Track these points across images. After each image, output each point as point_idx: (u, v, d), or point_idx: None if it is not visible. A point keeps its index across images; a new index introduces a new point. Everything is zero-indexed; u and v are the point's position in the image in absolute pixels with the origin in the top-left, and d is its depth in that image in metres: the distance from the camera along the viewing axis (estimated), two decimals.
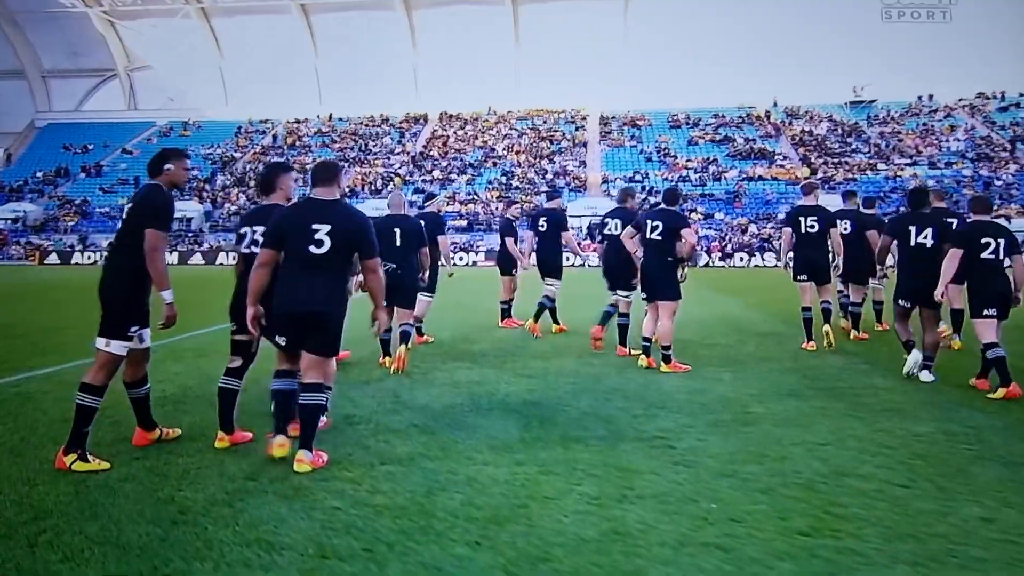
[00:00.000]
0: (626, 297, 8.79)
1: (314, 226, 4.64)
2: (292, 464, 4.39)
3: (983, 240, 7.18)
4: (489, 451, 4.78)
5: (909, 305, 7.67)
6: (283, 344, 4.76)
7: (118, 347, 4.55)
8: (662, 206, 8.17)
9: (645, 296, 8.09)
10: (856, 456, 4.60)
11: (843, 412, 5.78)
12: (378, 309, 4.84)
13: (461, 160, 49.51)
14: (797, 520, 3.59)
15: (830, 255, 9.18)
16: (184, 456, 4.67)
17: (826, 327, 8.89)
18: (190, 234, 44.08)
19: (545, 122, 54.17)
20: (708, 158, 46.49)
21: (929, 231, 7.66)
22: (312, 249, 4.61)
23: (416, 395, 6.45)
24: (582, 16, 54.65)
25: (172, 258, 41.04)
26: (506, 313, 11.35)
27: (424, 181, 46.37)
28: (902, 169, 42.72)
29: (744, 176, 44.15)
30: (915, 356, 7.57)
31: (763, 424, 5.39)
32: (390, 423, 5.51)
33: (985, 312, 7.12)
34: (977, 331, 7.12)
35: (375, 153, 52.02)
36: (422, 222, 8.45)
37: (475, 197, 44.57)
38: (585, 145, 50.74)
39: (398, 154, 51.47)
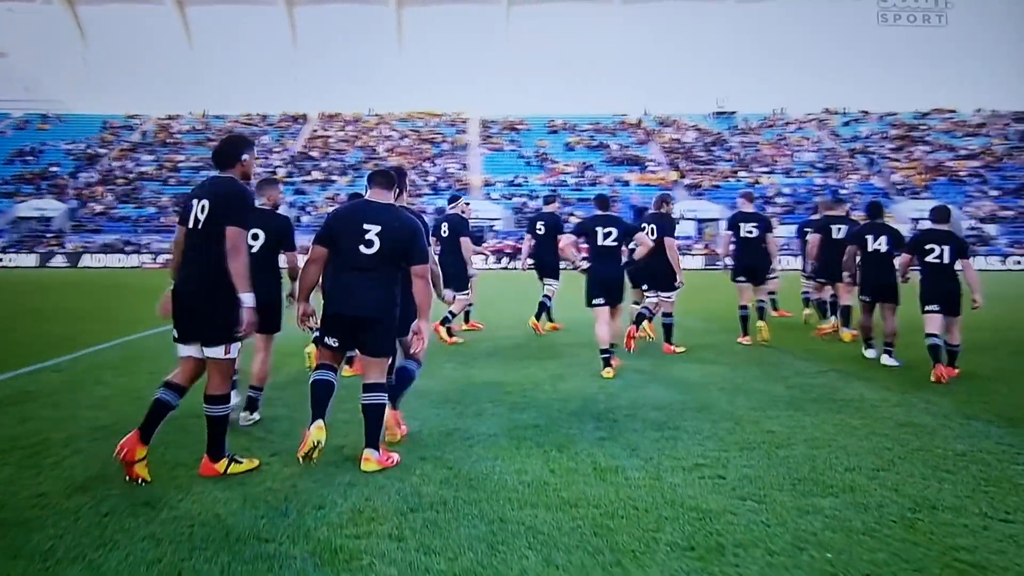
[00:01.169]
0: (668, 298, 9.06)
1: (365, 226, 4.56)
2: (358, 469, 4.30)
3: (928, 246, 7.77)
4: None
5: (869, 300, 8.57)
6: (335, 345, 4.64)
7: (235, 349, 4.33)
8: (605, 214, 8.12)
9: (604, 302, 7.83)
10: (924, 482, 3.97)
11: (862, 428, 5.15)
12: (421, 319, 4.67)
13: (342, 161, 48.15)
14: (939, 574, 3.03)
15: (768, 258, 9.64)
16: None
17: (761, 323, 9.44)
18: (50, 235, 40.52)
19: (426, 124, 53.56)
20: (585, 163, 47.19)
21: (883, 239, 8.56)
22: (363, 249, 4.54)
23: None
24: (465, 21, 54.53)
25: (31, 260, 37.69)
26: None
27: (305, 182, 44.74)
28: (761, 177, 44.83)
29: (618, 181, 45.07)
30: (879, 354, 8.41)
31: (796, 446, 4.67)
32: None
33: (927, 308, 7.69)
34: (924, 323, 7.67)
35: None
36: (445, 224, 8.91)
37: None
38: (466, 148, 50.42)
39: (277, 153, 49.39)
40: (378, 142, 50.91)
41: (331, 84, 56.01)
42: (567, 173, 46.12)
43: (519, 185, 44.26)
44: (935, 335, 7.61)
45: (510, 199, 43.33)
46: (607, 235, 7.80)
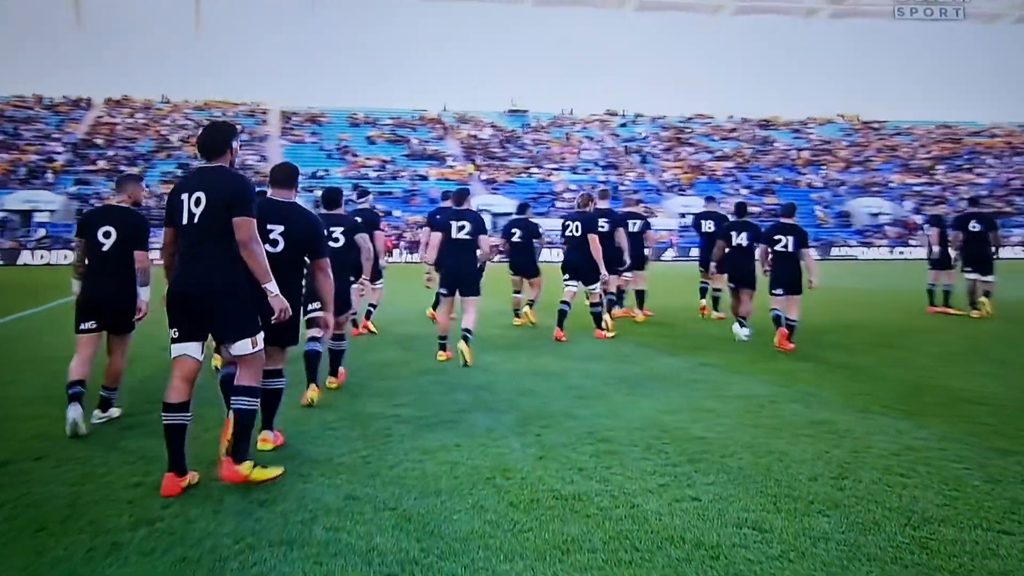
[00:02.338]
0: (594, 288, 9.56)
1: (269, 226, 4.53)
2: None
3: (776, 236, 8.88)
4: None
5: (734, 286, 9.64)
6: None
7: (261, 340, 4.13)
8: (462, 208, 8.25)
9: (448, 293, 8.04)
10: (891, 490, 3.73)
11: (783, 429, 4.92)
12: (327, 310, 4.80)
13: (131, 150, 44.84)
14: None
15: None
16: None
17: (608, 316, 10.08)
18: None
19: (224, 114, 50.97)
20: (386, 157, 47.20)
21: (745, 234, 9.62)
22: (268, 248, 4.39)
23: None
24: (267, 9, 52.43)
25: None
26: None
27: (88, 171, 41.19)
28: (551, 173, 47.19)
29: (417, 175, 45.55)
30: (738, 328, 9.45)
31: (739, 454, 4.35)
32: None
33: (773, 292, 8.86)
34: (769, 302, 8.87)
35: (26, 138, 44.89)
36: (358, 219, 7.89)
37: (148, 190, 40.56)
38: (265, 139, 48.67)
39: (56, 139, 44.98)
40: (171, 131, 47.86)
41: (119, 68, 51.84)
42: (368, 166, 45.97)
43: (320, 178, 43.56)
44: (777, 309, 8.79)
45: (311, 192, 42.49)
46: (460, 228, 7.88)
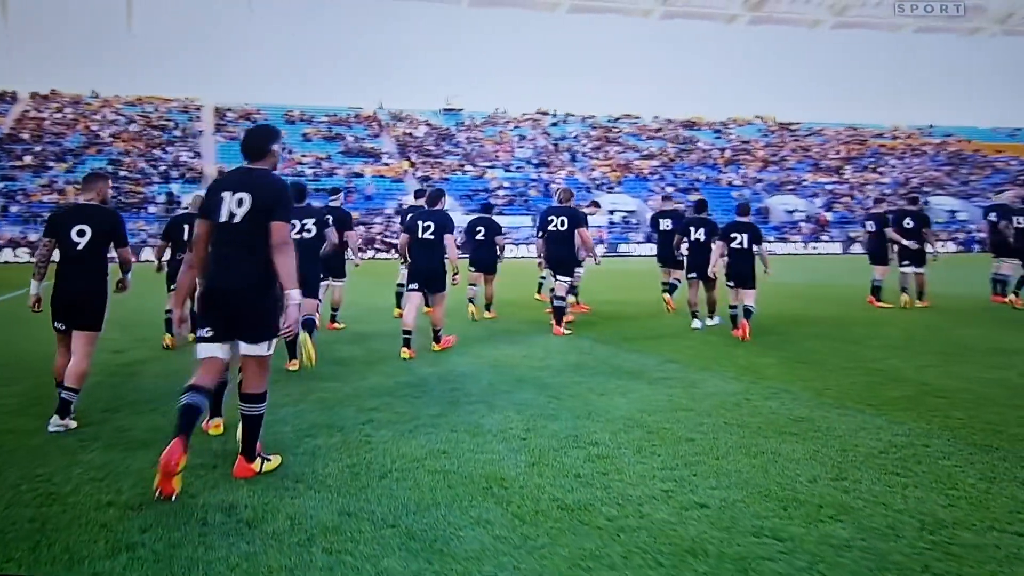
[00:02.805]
0: (565, 282, 9.64)
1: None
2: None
3: (732, 235, 9.29)
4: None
5: (694, 277, 10.02)
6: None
7: (274, 346, 4.11)
8: (431, 208, 8.34)
9: (418, 288, 8.18)
10: (893, 491, 3.69)
11: (766, 428, 4.86)
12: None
13: (59, 145, 43.41)
14: None
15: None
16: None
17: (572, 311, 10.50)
18: None
19: (156, 110, 49.87)
20: (322, 155, 47.03)
21: (702, 230, 9.94)
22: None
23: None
24: (202, 5, 51.28)
25: None
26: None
27: (14, 167, 39.87)
28: (485, 171, 47.81)
29: (353, 172, 45.57)
30: (703, 320, 9.85)
31: (732, 455, 4.27)
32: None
33: (728, 283, 9.41)
34: (728, 294, 9.40)
35: None
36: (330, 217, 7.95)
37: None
38: (197, 136, 47.86)
39: None
40: (102, 127, 46.57)
41: (47, 61, 50.08)
42: (304, 164, 45.74)
43: None
44: (734, 306, 9.32)
45: None
46: (426, 229, 8.01)
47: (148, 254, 32.78)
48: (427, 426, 4.91)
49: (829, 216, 46.24)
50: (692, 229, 10.10)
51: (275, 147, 4.14)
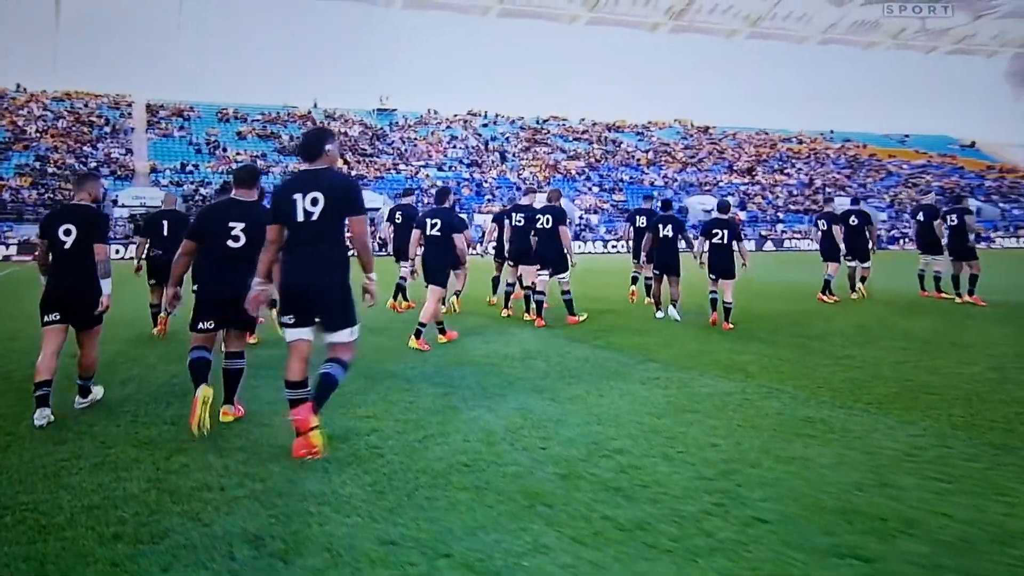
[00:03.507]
0: (563, 278, 9.79)
1: (231, 223, 4.85)
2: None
3: (713, 230, 9.68)
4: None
5: (659, 273, 10.36)
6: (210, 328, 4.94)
7: (358, 330, 4.33)
8: (440, 206, 8.45)
9: (426, 283, 8.31)
10: (940, 497, 3.55)
11: (780, 432, 4.66)
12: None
13: None
14: None
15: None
16: None
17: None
18: None
19: (86, 105, 48.15)
20: (257, 153, 46.45)
21: (670, 227, 10.18)
22: (230, 244, 4.83)
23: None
24: (132, 2, 49.66)
25: None
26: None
27: None
28: (418, 170, 48.03)
29: (289, 171, 45.16)
30: (667, 311, 10.07)
31: (764, 464, 4.04)
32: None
33: (710, 276, 9.69)
34: (708, 284, 9.70)
35: None
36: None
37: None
38: (128, 132, 46.50)
39: None
40: (28, 122, 44.79)
41: None
42: (239, 162, 45.09)
43: (190, 172, 42.39)
44: (714, 291, 9.60)
45: (180, 185, 41.38)
46: (433, 226, 8.16)
47: None
48: (436, 436, 4.55)
49: (743, 215, 48.42)
50: (660, 226, 10.34)
51: (330, 147, 4.27)
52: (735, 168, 55.37)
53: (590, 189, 49.46)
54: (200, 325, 4.90)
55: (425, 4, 60.12)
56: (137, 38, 50.00)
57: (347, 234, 4.30)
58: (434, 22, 58.67)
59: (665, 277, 10.36)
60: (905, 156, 60.27)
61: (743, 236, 10.01)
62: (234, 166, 43.70)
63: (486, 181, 47.89)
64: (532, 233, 10.01)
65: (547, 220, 9.80)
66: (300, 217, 4.12)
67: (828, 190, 51.02)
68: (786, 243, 45.52)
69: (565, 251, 9.73)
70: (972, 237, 12.32)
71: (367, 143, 50.73)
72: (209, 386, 4.66)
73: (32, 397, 4.93)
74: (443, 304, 9.11)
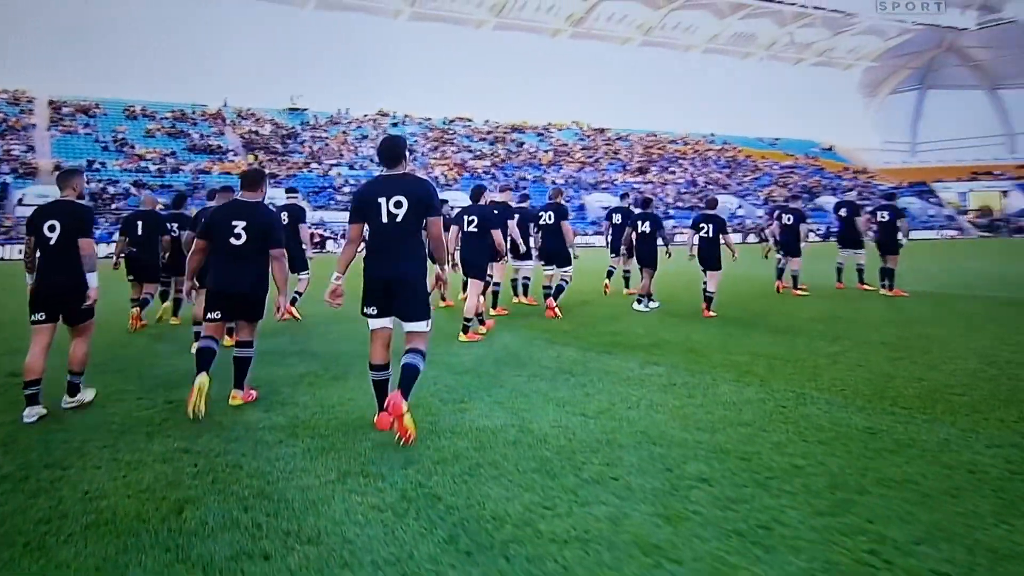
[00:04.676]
0: (566, 271, 9.72)
1: (234, 222, 5.01)
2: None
3: (701, 225, 9.70)
4: None
5: (641, 265, 10.20)
6: (218, 318, 5.05)
7: (432, 322, 4.48)
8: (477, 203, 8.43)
9: (465, 277, 8.38)
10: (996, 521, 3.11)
11: (813, 439, 4.26)
12: (280, 295, 5.04)
13: None
14: None
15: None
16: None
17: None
18: None
19: None
20: (166, 151, 44.98)
21: (648, 223, 10.27)
22: (232, 241, 4.99)
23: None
24: None
25: None
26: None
27: None
28: (330, 169, 47.62)
29: (200, 169, 44.05)
30: (640, 305, 10.03)
31: (813, 473, 3.68)
32: None
33: (701, 268, 9.70)
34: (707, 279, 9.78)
35: None
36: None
37: None
38: (29, 129, 43.99)
39: None
40: None
41: None
42: (148, 160, 43.62)
43: (96, 170, 40.70)
44: (706, 282, 9.66)
45: (88, 184, 39.71)
46: (470, 223, 8.12)
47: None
48: (483, 466, 3.78)
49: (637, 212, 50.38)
50: (639, 223, 10.48)
51: (408, 154, 4.44)
52: (628, 167, 57.48)
53: (495, 187, 50.02)
54: (209, 315, 5.03)
55: (337, 6, 59.28)
56: (37, 32, 47.21)
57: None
58: (346, 24, 58.08)
59: (643, 270, 10.42)
60: (775, 157, 64.18)
61: (728, 229, 10.08)
62: (143, 164, 42.34)
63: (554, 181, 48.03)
64: (535, 229, 10.00)
65: (550, 216, 9.76)
66: (384, 218, 4.29)
67: (711, 187, 53.94)
68: (677, 238, 47.94)
69: (568, 246, 9.69)
70: (900, 235, 12.29)
71: (279, 142, 49.87)
72: (208, 375, 4.79)
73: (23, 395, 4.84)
74: (443, 299, 9.29)
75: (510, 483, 3.59)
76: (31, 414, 4.77)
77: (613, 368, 6.40)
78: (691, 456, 3.98)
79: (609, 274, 12.72)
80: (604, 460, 3.93)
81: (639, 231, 10.45)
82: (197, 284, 5.45)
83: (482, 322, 8.41)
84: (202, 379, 4.76)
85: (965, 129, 71.77)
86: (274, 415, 4.88)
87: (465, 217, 8.28)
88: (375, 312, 4.39)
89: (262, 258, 5.07)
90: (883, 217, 12.58)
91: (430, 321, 4.47)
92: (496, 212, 8.44)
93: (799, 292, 12.55)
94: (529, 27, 64.72)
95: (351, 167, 48.36)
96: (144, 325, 9.10)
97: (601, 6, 62.79)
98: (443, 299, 10.80)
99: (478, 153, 54.92)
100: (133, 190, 37.78)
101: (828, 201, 54.00)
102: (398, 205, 4.27)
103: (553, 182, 51.42)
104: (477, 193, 8.49)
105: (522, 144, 58.26)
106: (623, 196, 13.31)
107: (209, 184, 41.93)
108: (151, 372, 6.46)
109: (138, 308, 9.00)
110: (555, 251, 9.78)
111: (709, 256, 9.82)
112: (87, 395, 5.22)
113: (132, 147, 44.24)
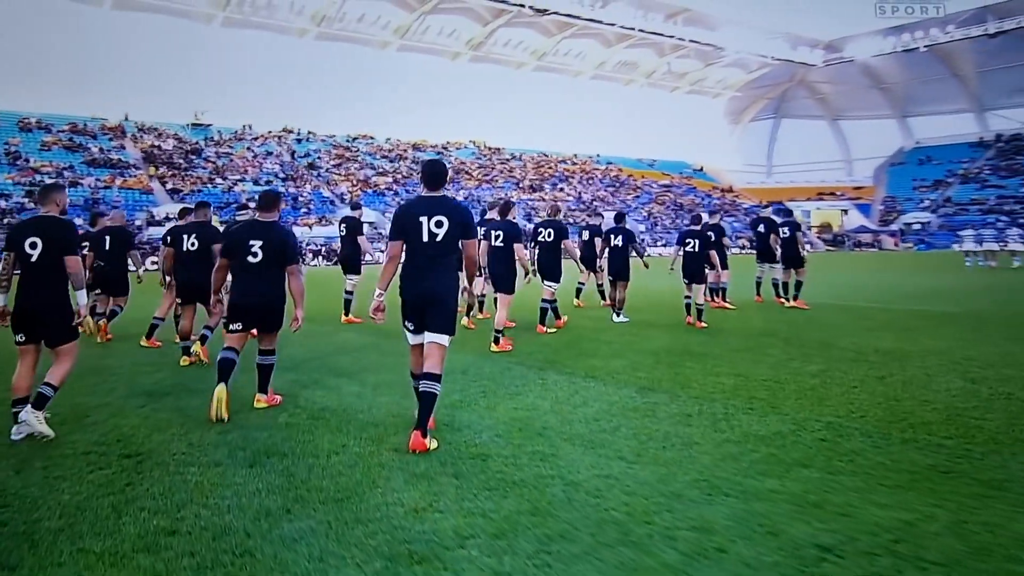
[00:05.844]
0: (551, 287, 9.44)
1: (251, 242, 5.10)
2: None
3: (687, 240, 9.83)
4: None
5: (612, 279, 10.35)
6: (239, 329, 5.16)
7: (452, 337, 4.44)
8: (503, 219, 8.46)
9: (495, 290, 8.24)
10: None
11: (846, 474, 3.90)
12: (298, 308, 5.14)
13: None
14: None
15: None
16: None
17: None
18: None
19: None
20: (64, 165, 43.24)
21: (620, 237, 10.13)
22: (249, 259, 5.06)
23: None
24: None
25: None
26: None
27: None
28: (235, 184, 47.11)
29: (100, 183, 42.71)
30: (616, 317, 9.83)
31: (876, 512, 3.35)
32: None
33: (684, 280, 9.67)
34: (684, 291, 9.80)
35: None
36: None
37: None
38: None
39: None
40: None
41: None
42: (43, 173, 41.83)
43: None
44: (688, 296, 9.62)
45: None
46: (497, 237, 8.16)
47: None
48: (555, 539, 3.09)
49: (529, 227, 52.63)
50: (612, 236, 10.38)
51: (447, 177, 4.55)
52: (521, 185, 59.57)
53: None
54: (231, 326, 5.18)
55: (243, 24, 58.27)
56: None
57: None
58: (252, 41, 57.20)
59: (617, 283, 10.34)
60: (654, 177, 68.22)
61: (712, 244, 10.13)
62: (38, 178, 40.66)
63: (301, 196, 48.19)
64: (533, 245, 9.79)
65: (549, 234, 9.59)
66: (425, 237, 4.30)
67: (595, 204, 56.98)
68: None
69: (560, 262, 9.59)
70: (801, 249, 12.36)
71: (182, 157, 48.84)
72: (226, 387, 4.91)
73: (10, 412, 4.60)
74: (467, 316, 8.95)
75: (602, 564, 2.82)
76: (18, 432, 4.46)
77: (614, 397, 5.69)
78: (782, 513, 3.32)
79: (578, 292, 12.83)
80: (687, 521, 3.23)
81: (611, 244, 10.39)
82: (221, 297, 5.58)
83: (496, 341, 7.97)
84: (220, 390, 4.86)
85: (812, 154, 78.80)
86: (270, 476, 3.90)
87: (492, 232, 8.28)
88: (413, 328, 4.42)
89: (278, 273, 5.16)
90: (785, 233, 12.61)
91: (452, 338, 4.44)
92: (520, 228, 8.49)
93: (728, 306, 12.37)
94: (431, 50, 65.68)
95: (256, 183, 48.00)
96: (111, 338, 9.08)
97: (499, 32, 64.63)
98: (467, 315, 9.86)
99: (380, 170, 55.54)
100: (28, 203, 36.41)
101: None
102: (439, 225, 4.28)
103: (389, 193, 52.78)
104: (505, 209, 8.56)
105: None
106: (594, 214, 13.50)
107: (111, 199, 41.01)
108: (102, 411, 5.44)
109: (105, 321, 9.05)
110: (549, 267, 9.49)
111: (695, 270, 9.81)
112: (45, 428, 4.49)
113: (27, 160, 42.36)
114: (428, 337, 4.35)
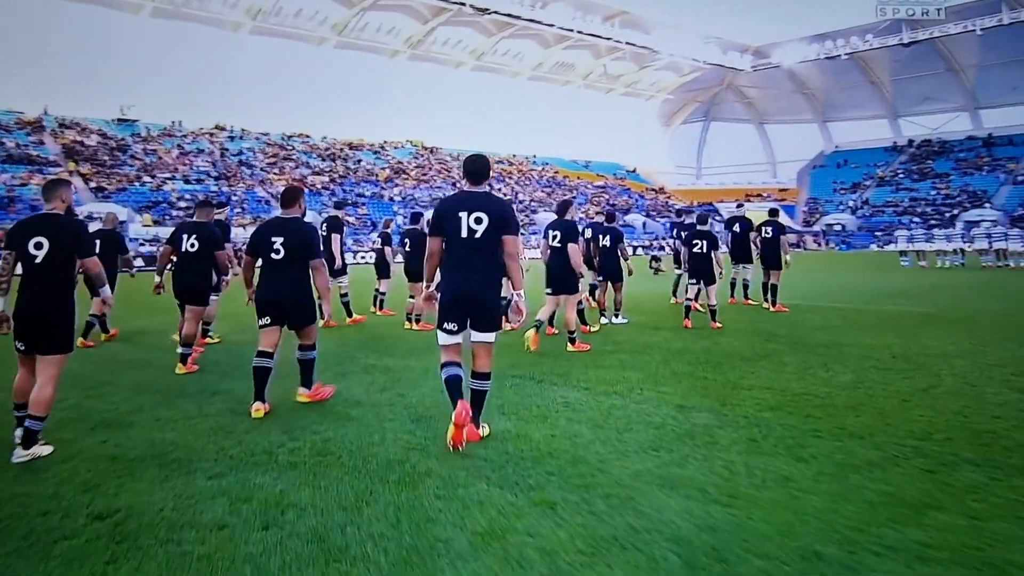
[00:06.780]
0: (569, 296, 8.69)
1: (273, 238, 5.14)
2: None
3: (694, 241, 9.83)
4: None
5: (603, 280, 10.21)
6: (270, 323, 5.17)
7: (498, 334, 4.37)
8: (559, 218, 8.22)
9: (551, 291, 8.03)
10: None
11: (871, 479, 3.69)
12: (324, 301, 5.36)
13: None
14: None
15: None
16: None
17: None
18: None
19: None
20: None
21: (608, 236, 9.88)
22: (272, 256, 5.09)
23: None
24: None
25: None
26: None
27: None
28: (164, 182, 45.19)
29: (15, 179, 40.20)
30: (611, 317, 9.86)
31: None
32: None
33: (690, 281, 9.82)
34: (686, 290, 9.78)
35: None
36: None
37: None
38: None
39: None
40: None
41: None
42: None
43: None
44: (691, 299, 9.68)
45: None
46: (555, 238, 8.00)
47: None
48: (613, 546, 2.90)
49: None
50: (600, 236, 10.09)
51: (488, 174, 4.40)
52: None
53: (332, 202, 49.69)
54: (260, 322, 5.20)
55: (173, 15, 55.69)
56: None
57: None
58: (182, 33, 54.65)
59: (610, 284, 10.20)
60: (589, 178, 68.78)
61: (719, 245, 10.07)
62: None
63: (235, 195, 46.61)
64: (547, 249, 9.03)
65: (555, 237, 8.67)
66: (464, 233, 4.21)
67: (533, 205, 56.99)
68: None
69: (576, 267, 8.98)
70: (784, 251, 12.03)
71: (107, 154, 46.49)
72: (263, 403, 4.99)
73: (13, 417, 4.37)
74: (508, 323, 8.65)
75: None
76: (19, 455, 4.12)
77: (655, 419, 4.96)
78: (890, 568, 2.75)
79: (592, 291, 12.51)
80: (713, 560, 2.72)
81: (600, 245, 10.16)
82: (253, 292, 5.50)
83: (572, 341, 7.90)
84: (257, 408, 4.98)
85: (739, 157, 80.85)
86: (292, 542, 3.09)
87: (550, 232, 8.15)
88: (455, 328, 4.25)
89: (302, 269, 5.19)
90: (767, 233, 12.21)
91: (498, 334, 4.38)
92: (577, 228, 8.18)
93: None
94: (369, 47, 64.37)
95: (186, 181, 46.21)
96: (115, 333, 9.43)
97: (438, 30, 63.79)
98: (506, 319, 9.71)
99: (316, 169, 54.24)
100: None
101: (636, 219, 59.23)
102: (478, 221, 4.20)
103: (325, 193, 52.07)
104: (563, 207, 8.35)
105: (359, 161, 58.16)
106: (598, 213, 13.49)
107: (28, 197, 38.62)
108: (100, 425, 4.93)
109: (97, 325, 9.13)
110: (561, 276, 8.20)
111: (704, 271, 9.79)
112: (44, 450, 4.17)
113: None
114: (474, 336, 4.25)
